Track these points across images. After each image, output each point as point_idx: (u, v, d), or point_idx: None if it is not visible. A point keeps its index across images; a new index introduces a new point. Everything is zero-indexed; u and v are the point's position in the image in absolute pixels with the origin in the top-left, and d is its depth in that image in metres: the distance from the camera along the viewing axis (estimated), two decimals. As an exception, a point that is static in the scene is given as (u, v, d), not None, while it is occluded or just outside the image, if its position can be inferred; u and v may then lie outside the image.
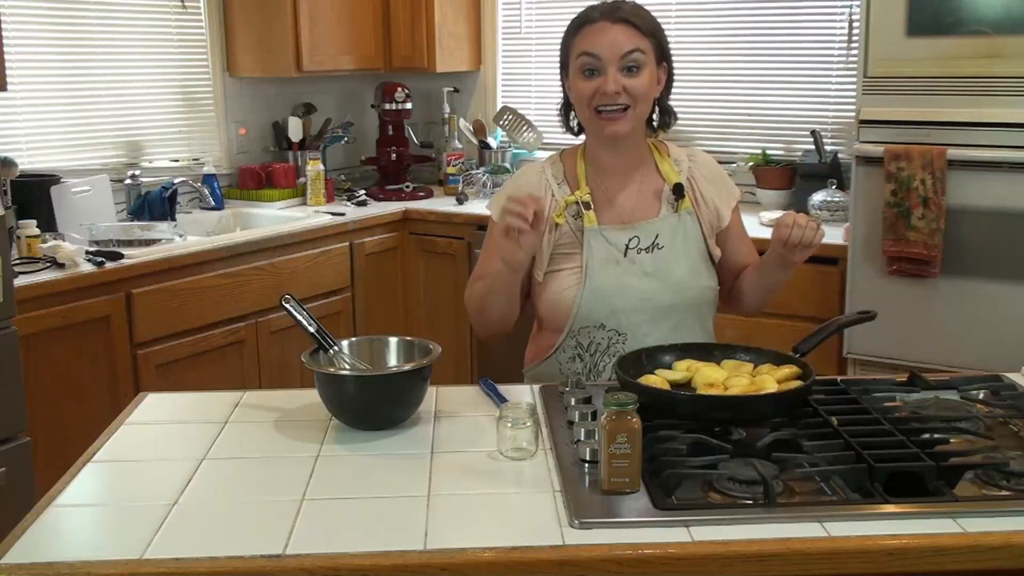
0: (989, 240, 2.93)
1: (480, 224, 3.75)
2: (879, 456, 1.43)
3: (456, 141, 4.43)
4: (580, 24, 2.01)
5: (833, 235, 3.34)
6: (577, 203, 2.04)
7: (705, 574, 1.28)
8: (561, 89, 2.11)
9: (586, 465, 1.49)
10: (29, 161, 3.39)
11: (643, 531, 1.31)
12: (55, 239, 3.08)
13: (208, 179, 3.89)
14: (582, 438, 1.53)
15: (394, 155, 4.36)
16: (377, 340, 1.86)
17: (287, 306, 1.75)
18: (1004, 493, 1.40)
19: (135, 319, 3.06)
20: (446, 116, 4.44)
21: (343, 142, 4.42)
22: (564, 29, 2.05)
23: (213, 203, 3.89)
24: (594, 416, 1.61)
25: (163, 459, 1.58)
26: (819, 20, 3.81)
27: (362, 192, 4.19)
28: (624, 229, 2.03)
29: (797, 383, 1.65)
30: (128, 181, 3.63)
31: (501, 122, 4.35)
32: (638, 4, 2.03)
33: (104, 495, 1.51)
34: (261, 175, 4.09)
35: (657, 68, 2.01)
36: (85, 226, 3.24)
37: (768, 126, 3.94)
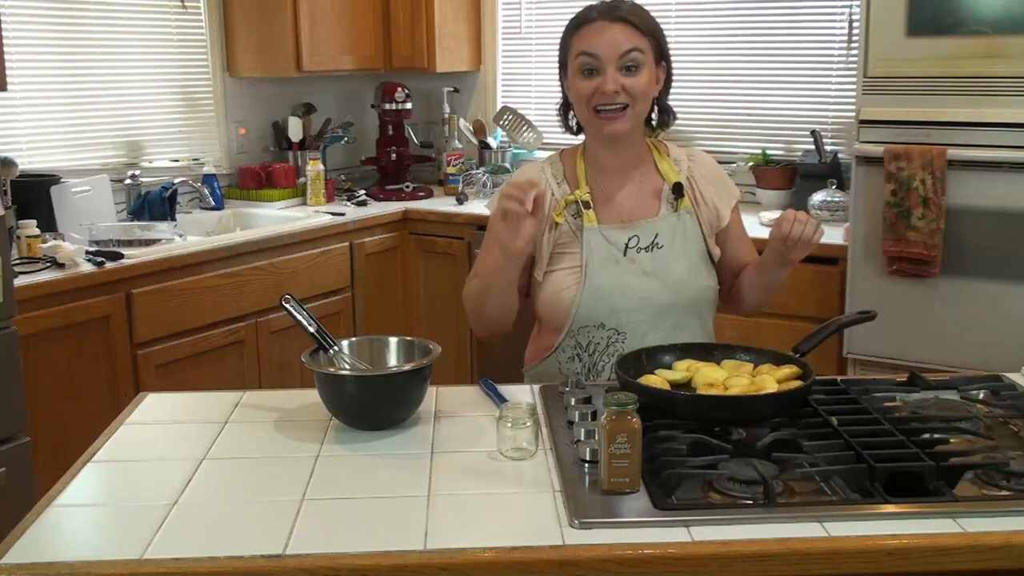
0: (989, 240, 2.93)
1: (480, 224, 3.75)
2: (879, 456, 1.43)
3: (456, 141, 4.43)
4: (578, 24, 2.01)
5: (833, 235, 3.34)
6: (577, 202, 2.04)
7: (705, 574, 1.28)
8: (560, 89, 2.11)
9: (586, 465, 1.49)
10: (29, 161, 3.39)
11: (643, 531, 1.31)
12: (55, 239, 3.08)
13: (208, 179, 3.89)
14: (582, 438, 1.53)
15: (394, 155, 4.36)
16: (377, 340, 1.86)
17: (287, 306, 1.75)
18: (1004, 493, 1.40)
19: (135, 319, 3.06)
20: (446, 116, 4.44)
21: (343, 142, 4.42)
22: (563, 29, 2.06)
23: (213, 203, 3.89)
24: (594, 416, 1.61)
25: (163, 459, 1.58)
26: (819, 20, 3.81)
27: (362, 192, 4.19)
28: (624, 228, 2.03)
29: (797, 383, 1.65)
30: (128, 181, 3.64)
31: (501, 122, 4.35)
32: (636, 3, 2.03)
33: (104, 495, 1.51)
34: (261, 175, 4.09)
35: (656, 67, 2.01)
36: (85, 226, 3.24)
37: (768, 126, 3.94)
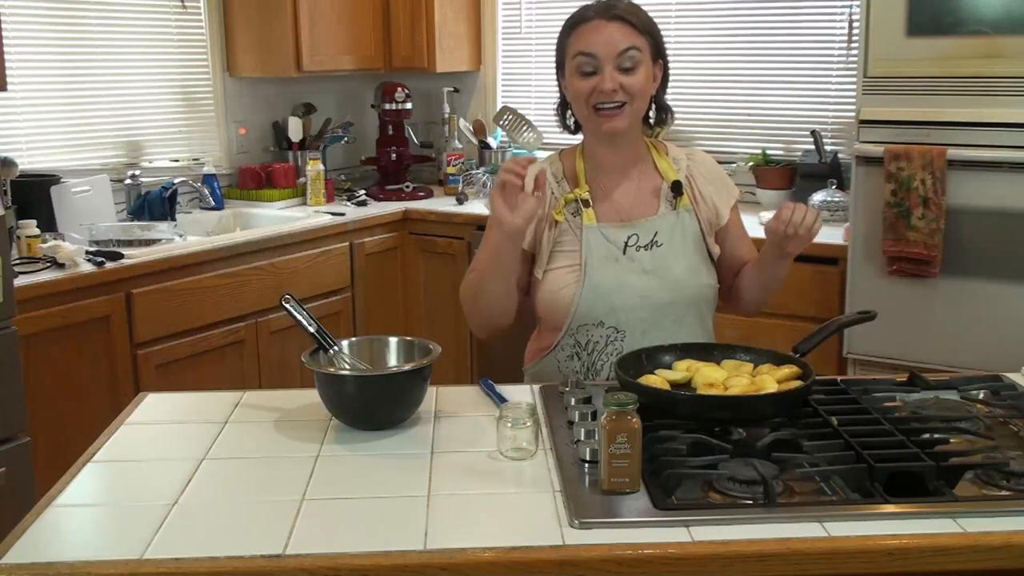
0: (989, 240, 2.93)
1: (480, 224, 3.75)
2: (879, 456, 1.43)
3: (456, 141, 4.43)
4: (575, 23, 2.01)
5: (833, 235, 3.34)
6: (576, 200, 2.04)
7: (705, 574, 1.28)
8: (557, 89, 2.11)
9: (586, 465, 1.49)
10: (29, 161, 3.39)
11: (643, 531, 1.31)
12: (55, 239, 3.08)
13: (208, 179, 3.89)
14: (582, 438, 1.53)
15: (394, 155, 4.36)
16: (377, 340, 1.86)
17: (287, 306, 1.75)
18: (1004, 493, 1.40)
19: (135, 319, 3.06)
20: (446, 116, 4.44)
21: (343, 142, 4.42)
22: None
23: (213, 203, 3.89)
24: (594, 416, 1.61)
25: (163, 459, 1.58)
26: (819, 20, 3.81)
27: (362, 192, 4.19)
28: (623, 227, 2.03)
29: (797, 383, 1.65)
30: (128, 181, 3.64)
31: (501, 122, 4.35)
32: (633, 3, 2.03)
33: (104, 495, 1.51)
34: (261, 175, 4.09)
35: (653, 65, 2.01)
36: (85, 226, 3.24)
37: (768, 126, 3.94)
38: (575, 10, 2.03)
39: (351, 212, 3.94)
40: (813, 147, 3.72)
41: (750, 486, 1.39)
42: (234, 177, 4.14)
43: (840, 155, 3.68)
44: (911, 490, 1.39)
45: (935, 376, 1.88)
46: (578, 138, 2.15)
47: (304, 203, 4.07)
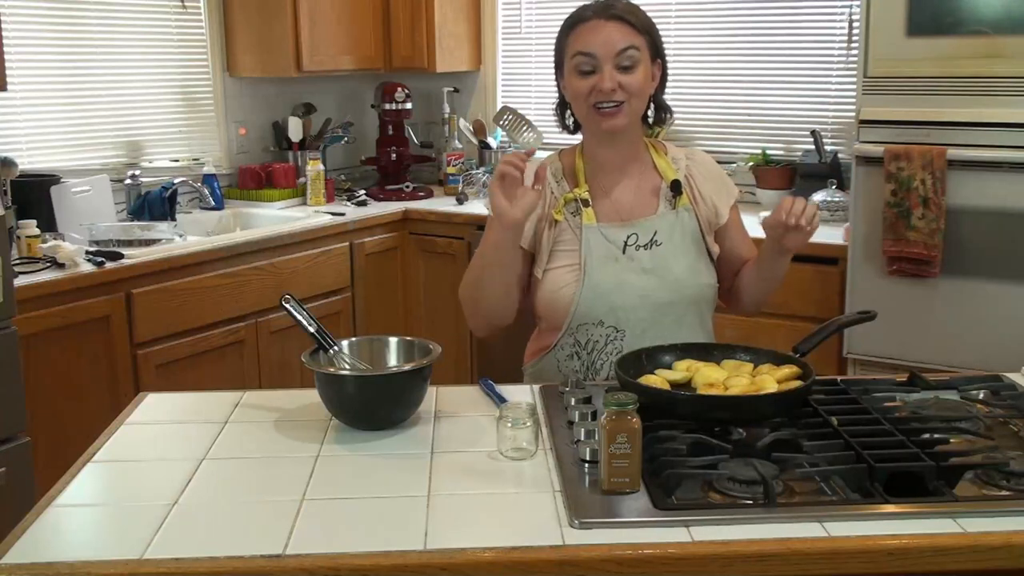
0: (989, 240, 2.93)
1: (480, 224, 3.75)
2: (879, 456, 1.43)
3: (456, 141, 4.43)
4: (574, 23, 2.01)
5: (833, 235, 3.34)
6: (576, 200, 2.04)
7: (705, 574, 1.28)
8: (557, 89, 2.11)
9: (586, 465, 1.49)
10: (29, 161, 3.39)
11: (643, 531, 1.31)
12: (55, 239, 3.08)
13: (208, 179, 3.89)
14: (582, 438, 1.53)
15: (394, 155, 4.36)
16: (377, 340, 1.86)
17: (287, 306, 1.75)
18: (1004, 493, 1.40)
19: (135, 319, 3.06)
20: (446, 116, 4.44)
21: (343, 142, 4.42)
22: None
23: (213, 203, 3.89)
24: (594, 416, 1.61)
25: (163, 459, 1.58)
26: (819, 20, 3.81)
27: (362, 192, 4.19)
28: (622, 226, 2.03)
29: (797, 383, 1.65)
30: (128, 181, 3.64)
31: (501, 122, 4.35)
32: (631, 2, 2.03)
33: (104, 495, 1.51)
34: (261, 175, 4.09)
35: (652, 65, 2.01)
36: (85, 226, 3.24)
37: (768, 126, 3.94)
38: (574, 10, 2.04)
39: (351, 212, 3.94)
40: (813, 147, 3.72)
41: (750, 486, 1.39)
42: (234, 177, 4.14)
43: (840, 155, 3.68)
44: (911, 490, 1.39)
45: (935, 376, 1.88)
46: (578, 138, 2.15)
47: (304, 203, 4.07)
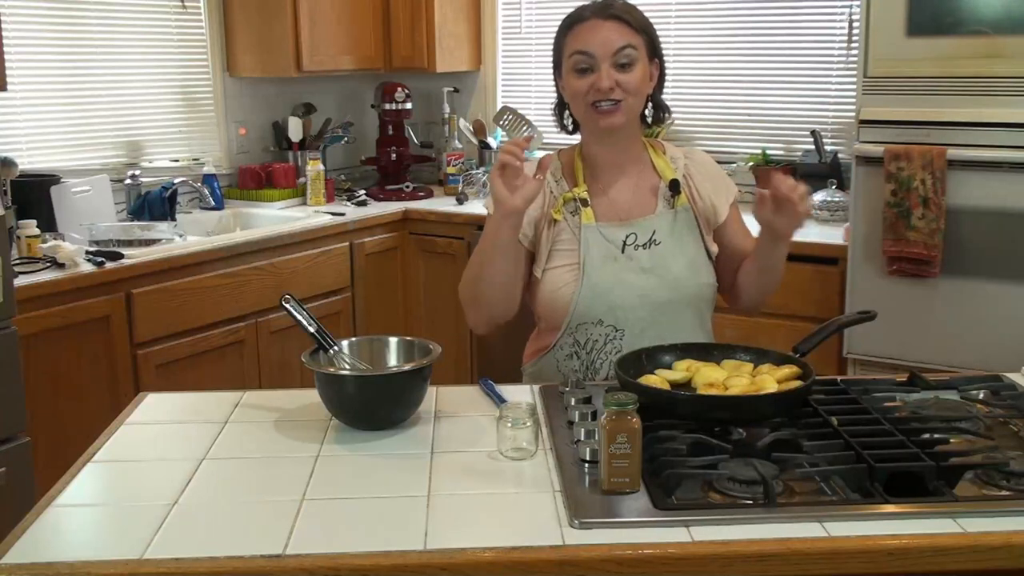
0: (989, 240, 2.93)
1: (480, 224, 3.74)
2: (879, 456, 1.43)
3: (456, 141, 4.43)
4: (571, 23, 2.02)
5: (833, 235, 3.35)
6: (575, 199, 2.05)
7: (705, 574, 1.28)
8: (555, 89, 2.11)
9: (586, 465, 1.49)
10: (29, 161, 3.39)
11: (643, 531, 1.31)
12: (55, 239, 3.08)
13: (208, 179, 3.89)
14: (582, 438, 1.53)
15: (394, 155, 4.36)
16: (377, 340, 1.86)
17: (287, 306, 1.75)
18: (1004, 493, 1.40)
19: (135, 319, 3.06)
20: (446, 116, 4.44)
21: (343, 142, 4.42)
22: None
23: (213, 203, 3.89)
24: (594, 416, 1.61)
25: (163, 459, 1.58)
26: (819, 20, 3.81)
27: (362, 192, 4.19)
28: (621, 226, 2.04)
29: (797, 383, 1.65)
30: (128, 181, 3.64)
31: (501, 122, 4.33)
32: (629, 2, 2.04)
33: (104, 495, 1.51)
34: (261, 175, 4.09)
35: (649, 64, 2.02)
36: (85, 226, 3.24)
37: (768, 126, 3.94)
38: (572, 10, 2.04)
39: (351, 212, 3.94)
40: (813, 147, 3.72)
41: (750, 486, 1.39)
42: (234, 177, 4.14)
43: (840, 155, 3.68)
44: (911, 490, 1.39)
45: (935, 376, 1.88)
46: (577, 138, 2.15)
47: (304, 203, 4.07)
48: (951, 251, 2.97)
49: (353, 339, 1.81)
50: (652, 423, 1.52)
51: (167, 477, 1.49)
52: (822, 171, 3.63)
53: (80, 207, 3.32)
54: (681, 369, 1.75)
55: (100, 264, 2.99)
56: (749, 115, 3.97)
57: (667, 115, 2.14)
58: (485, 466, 1.53)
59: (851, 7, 3.64)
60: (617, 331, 2.00)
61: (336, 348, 1.76)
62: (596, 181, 2.08)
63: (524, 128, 3.79)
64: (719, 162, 2.23)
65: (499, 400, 1.78)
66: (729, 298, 2.16)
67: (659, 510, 1.35)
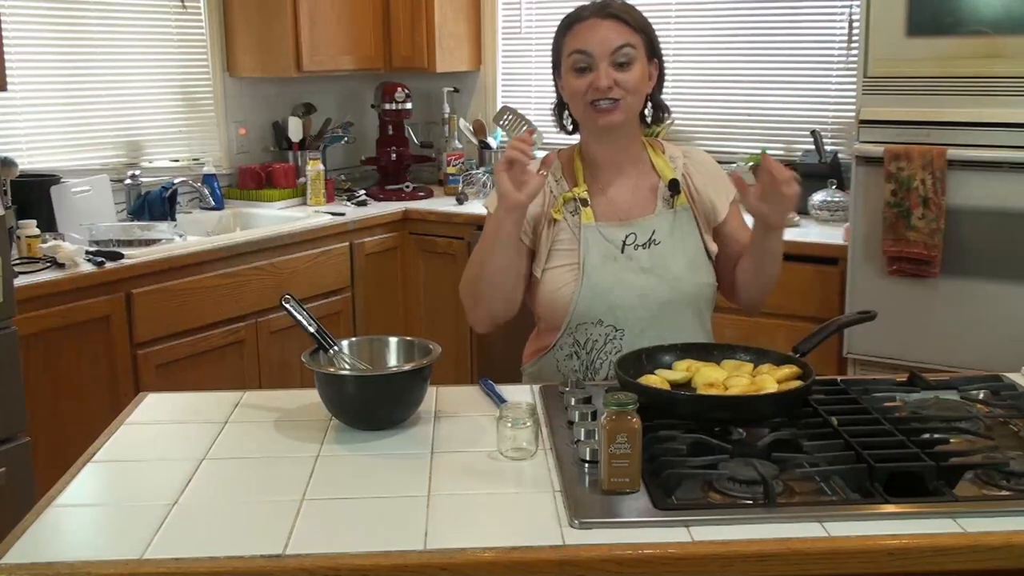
0: (989, 240, 2.93)
1: (479, 224, 3.75)
2: (879, 456, 1.43)
3: (456, 141, 4.43)
4: (570, 23, 2.03)
5: (833, 235, 3.35)
6: (575, 199, 2.05)
7: (705, 574, 1.28)
8: (554, 89, 2.12)
9: (586, 465, 1.49)
10: (29, 161, 3.39)
11: (643, 531, 1.31)
12: (55, 239, 3.08)
13: (208, 179, 3.89)
14: (582, 438, 1.53)
15: (394, 155, 4.36)
16: (377, 340, 1.86)
17: (287, 306, 1.75)
18: (1004, 493, 1.40)
19: (135, 319, 3.06)
20: (446, 116, 4.44)
21: (343, 142, 4.42)
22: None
23: (213, 203, 3.89)
24: (594, 416, 1.61)
25: (163, 459, 1.58)
26: (819, 20, 3.81)
27: (362, 192, 4.19)
28: (621, 226, 2.04)
29: (797, 383, 1.65)
30: (128, 181, 3.64)
31: (501, 122, 4.34)
32: (627, 2, 2.05)
33: (104, 495, 1.51)
34: (261, 175, 4.09)
35: (648, 64, 2.02)
36: (85, 226, 3.24)
37: (768, 126, 3.94)
38: (571, 10, 2.05)
39: (351, 212, 3.94)
40: (813, 147, 3.72)
41: (750, 486, 1.39)
42: (234, 177, 4.14)
43: (840, 155, 3.68)
44: (911, 490, 1.39)
45: (935, 376, 1.88)
46: (577, 138, 2.15)
47: (304, 203, 4.07)
48: (951, 251, 2.97)
49: (353, 339, 1.81)
50: (652, 423, 1.52)
51: (167, 477, 1.49)
52: (822, 171, 3.63)
53: (80, 207, 3.32)
54: (681, 369, 1.75)
55: (100, 264, 2.99)
56: (749, 115, 3.97)
57: (666, 115, 2.15)
58: (485, 466, 1.53)
59: (851, 7, 3.64)
60: (617, 331, 2.00)
61: (336, 348, 1.76)
62: (595, 181, 2.08)
63: (524, 128, 3.78)
64: (719, 162, 2.23)
65: (499, 400, 1.78)
66: (729, 296, 2.16)
67: (659, 510, 1.35)
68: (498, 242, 1.94)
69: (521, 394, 1.82)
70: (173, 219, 3.54)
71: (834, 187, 3.56)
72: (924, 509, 1.35)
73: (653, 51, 2.04)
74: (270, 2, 3.92)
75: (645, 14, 2.06)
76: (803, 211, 3.64)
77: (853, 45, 3.61)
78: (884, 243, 3.04)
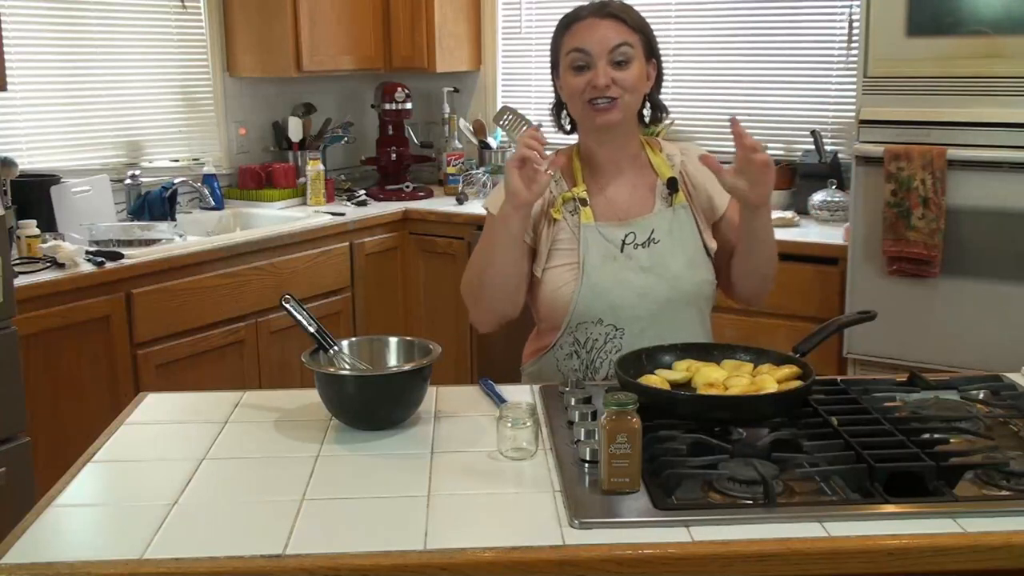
0: (989, 240, 2.93)
1: (479, 224, 3.74)
2: (879, 456, 1.43)
3: (456, 141, 4.43)
4: (569, 22, 2.03)
5: (833, 235, 3.35)
6: (574, 199, 2.05)
7: (705, 574, 1.28)
8: (553, 89, 2.12)
9: (586, 465, 1.49)
10: (29, 161, 3.39)
11: (643, 531, 1.31)
12: (55, 239, 3.08)
13: (208, 179, 3.89)
14: (582, 438, 1.53)
15: (394, 155, 4.36)
16: (377, 340, 1.86)
17: (287, 306, 1.75)
18: (1004, 493, 1.40)
19: (135, 319, 3.06)
20: (446, 116, 4.45)
21: (343, 142, 4.42)
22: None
23: (213, 203, 3.89)
24: (594, 416, 1.61)
25: (163, 459, 1.58)
26: (819, 20, 3.81)
27: (362, 192, 4.19)
28: (620, 225, 2.04)
29: (797, 383, 1.65)
30: (128, 181, 3.64)
31: (501, 122, 4.34)
32: (626, 2, 2.05)
33: (104, 495, 1.51)
34: (261, 175, 4.09)
35: (646, 64, 2.02)
36: (85, 226, 3.24)
37: (768, 126, 3.94)
38: (569, 10, 2.05)
39: (351, 212, 3.94)
40: (813, 147, 3.72)
41: (750, 486, 1.39)
42: (234, 177, 4.14)
43: (840, 155, 3.68)
44: (911, 490, 1.39)
45: (935, 376, 1.88)
46: (576, 138, 2.15)
47: (304, 203, 4.07)
48: (951, 251, 2.97)
49: (353, 339, 1.81)
50: (652, 423, 1.52)
51: (167, 477, 1.49)
52: (822, 171, 3.63)
53: (80, 207, 3.32)
54: (681, 369, 1.75)
55: (100, 264, 2.99)
56: (749, 115, 3.97)
57: (664, 115, 2.15)
58: (485, 466, 1.53)
59: (851, 7, 3.64)
60: (617, 330, 2.01)
61: (336, 348, 1.76)
62: (594, 180, 2.08)
63: (524, 128, 3.78)
64: (722, 162, 2.22)
65: (499, 400, 1.78)
66: (728, 291, 2.15)
67: (659, 510, 1.35)
68: (504, 242, 1.94)
69: (521, 394, 1.82)
70: (173, 219, 3.54)
71: (834, 187, 3.56)
72: (924, 509, 1.35)
73: (651, 51, 2.04)
74: (270, 2, 3.92)
75: (645, 14, 2.07)
76: (803, 211, 3.64)
77: (853, 45, 3.61)
78: (884, 243, 3.04)
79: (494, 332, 2.11)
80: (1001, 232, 2.91)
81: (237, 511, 1.39)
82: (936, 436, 1.57)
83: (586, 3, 2.05)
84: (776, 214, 3.17)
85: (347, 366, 1.76)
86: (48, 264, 2.95)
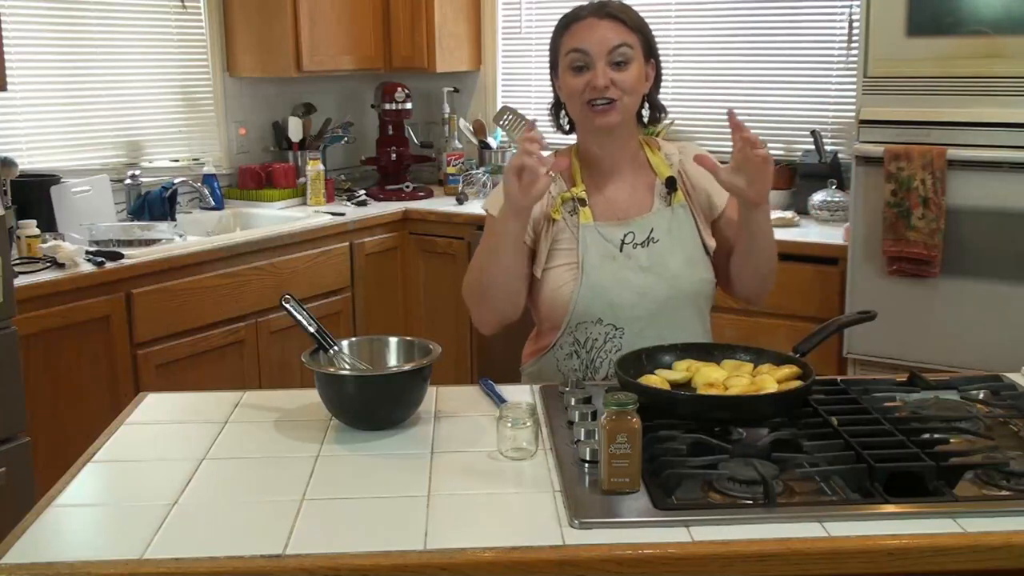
0: (989, 240, 2.93)
1: (479, 224, 3.75)
2: (879, 456, 1.43)
3: (456, 141, 4.43)
4: (568, 23, 2.03)
5: (833, 235, 3.35)
6: (573, 199, 2.05)
7: (705, 574, 1.28)
8: (552, 89, 2.12)
9: (586, 465, 1.49)
10: (29, 161, 3.39)
11: (643, 531, 1.31)
12: (55, 239, 3.08)
13: (208, 179, 3.89)
14: (582, 438, 1.53)
15: (394, 155, 4.36)
16: (377, 340, 1.86)
17: (287, 306, 1.75)
18: (1004, 493, 1.40)
19: (135, 319, 3.06)
20: (446, 116, 4.45)
21: (343, 142, 4.42)
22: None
23: (213, 203, 3.89)
24: (594, 416, 1.61)
25: (163, 459, 1.58)
26: (819, 20, 3.81)
27: (362, 192, 4.19)
28: (619, 225, 2.04)
29: (797, 383, 1.65)
30: (128, 181, 3.64)
31: (501, 122, 4.34)
32: (625, 3, 2.05)
33: (104, 495, 1.51)
34: (261, 175, 4.09)
35: (645, 64, 2.02)
36: (85, 226, 3.25)
37: (768, 126, 3.94)
38: (568, 10, 2.05)
39: (351, 212, 3.94)
40: (813, 147, 3.72)
41: (750, 486, 1.39)
42: (234, 177, 4.14)
43: (840, 155, 3.68)
44: (911, 490, 1.39)
45: (935, 376, 1.88)
46: (574, 138, 2.15)
47: (304, 203, 4.07)
48: (951, 251, 2.97)
49: (353, 339, 1.81)
50: (652, 423, 1.52)
51: (167, 477, 1.49)
52: (822, 171, 3.64)
53: (80, 207, 3.32)
54: (681, 369, 1.75)
55: (100, 264, 2.99)
56: (749, 115, 3.96)
57: (663, 115, 2.15)
58: (485, 466, 1.53)
59: (851, 7, 3.64)
60: (617, 329, 2.01)
61: (336, 348, 1.76)
62: (593, 180, 2.08)
63: (524, 128, 3.78)
64: (721, 162, 2.22)
65: (499, 400, 1.78)
66: (728, 289, 2.14)
67: (659, 510, 1.35)
68: (504, 244, 1.94)
69: (521, 394, 1.82)
70: (173, 219, 3.54)
71: (834, 187, 3.56)
72: (924, 509, 1.35)
73: (650, 51, 2.04)
74: (270, 2, 3.92)
75: (644, 14, 2.07)
76: (803, 211, 3.64)
77: (853, 45, 3.61)
78: (884, 243, 3.04)
79: (499, 332, 2.11)
80: (1001, 232, 2.91)
81: (237, 511, 1.39)
82: (936, 436, 1.57)
83: (585, 3, 2.05)
84: (776, 214, 3.17)
85: (347, 366, 1.76)
86: (48, 264, 2.95)
